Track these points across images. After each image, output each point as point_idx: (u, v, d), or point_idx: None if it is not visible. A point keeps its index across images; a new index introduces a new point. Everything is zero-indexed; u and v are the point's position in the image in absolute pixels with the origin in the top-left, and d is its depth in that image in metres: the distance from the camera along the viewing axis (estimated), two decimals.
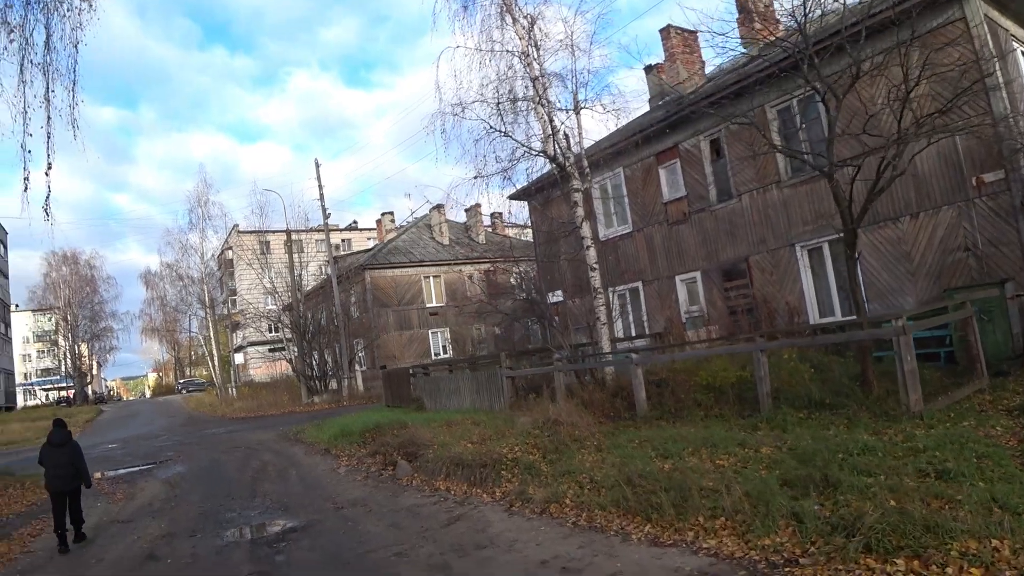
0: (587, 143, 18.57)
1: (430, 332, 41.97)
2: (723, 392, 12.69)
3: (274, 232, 46.23)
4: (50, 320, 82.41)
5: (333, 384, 37.76)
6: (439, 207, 46.33)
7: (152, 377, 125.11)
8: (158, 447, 22.89)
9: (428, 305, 42.11)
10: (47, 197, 12.56)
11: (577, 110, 17.62)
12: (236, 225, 57.52)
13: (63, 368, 79.39)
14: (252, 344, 67.91)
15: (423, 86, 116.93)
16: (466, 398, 19.29)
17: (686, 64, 24.19)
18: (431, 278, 42.64)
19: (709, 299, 20.17)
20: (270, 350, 64.13)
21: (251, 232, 51.07)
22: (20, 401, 78.17)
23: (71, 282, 74.20)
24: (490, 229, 49.95)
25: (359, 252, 50.27)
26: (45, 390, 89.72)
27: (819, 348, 13.47)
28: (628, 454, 9.43)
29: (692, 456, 8.94)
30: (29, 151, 12.47)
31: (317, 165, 37.52)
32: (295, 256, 40.23)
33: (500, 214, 52.57)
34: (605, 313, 17.20)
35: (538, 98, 17.01)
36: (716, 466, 8.40)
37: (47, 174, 12.60)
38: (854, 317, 16.48)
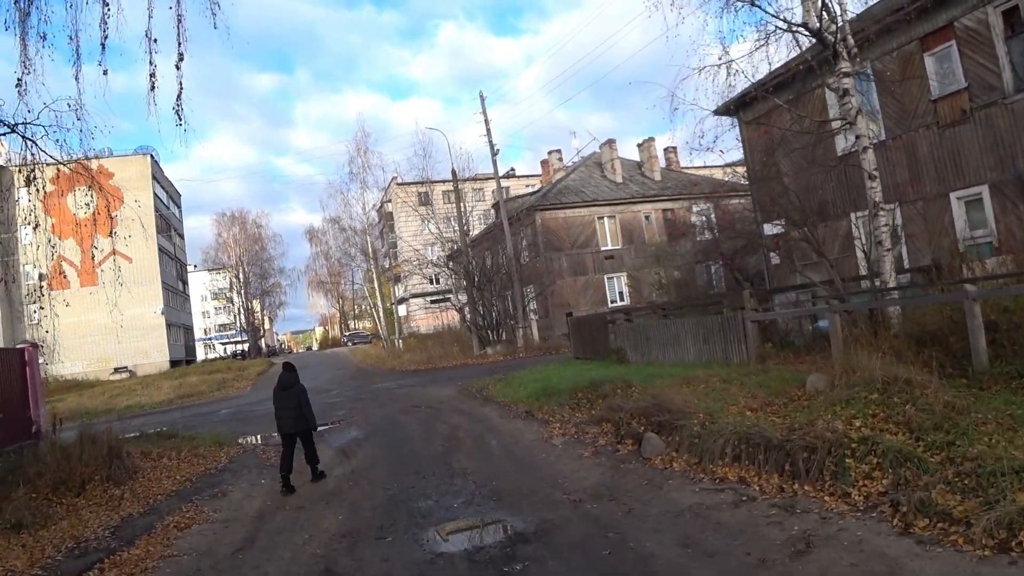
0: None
1: (606, 277, 38.47)
2: None
3: (433, 182, 43.70)
4: (224, 278, 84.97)
5: (503, 334, 34.94)
6: (610, 142, 42.52)
7: (319, 331, 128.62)
8: (328, 404, 20.63)
9: (603, 248, 38.56)
10: (179, 96, 9.84)
11: None
12: (395, 177, 55.89)
13: (238, 323, 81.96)
14: (414, 296, 66.86)
15: (571, 28, 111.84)
16: (689, 349, 15.63)
17: None
18: (605, 219, 38.97)
19: (1003, 220, 15.47)
20: (432, 301, 62.90)
21: (410, 184, 49.15)
22: (200, 354, 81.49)
23: (241, 240, 76.04)
24: (665, 167, 45.58)
25: (526, 195, 47.18)
26: (223, 344, 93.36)
27: None
28: None
29: None
30: (155, 39, 9.79)
31: (482, 98, 34.45)
32: (459, 200, 37.52)
33: (675, 148, 48.20)
34: (889, 236, 12.95)
35: None
36: None
37: (178, 67, 9.86)
38: None
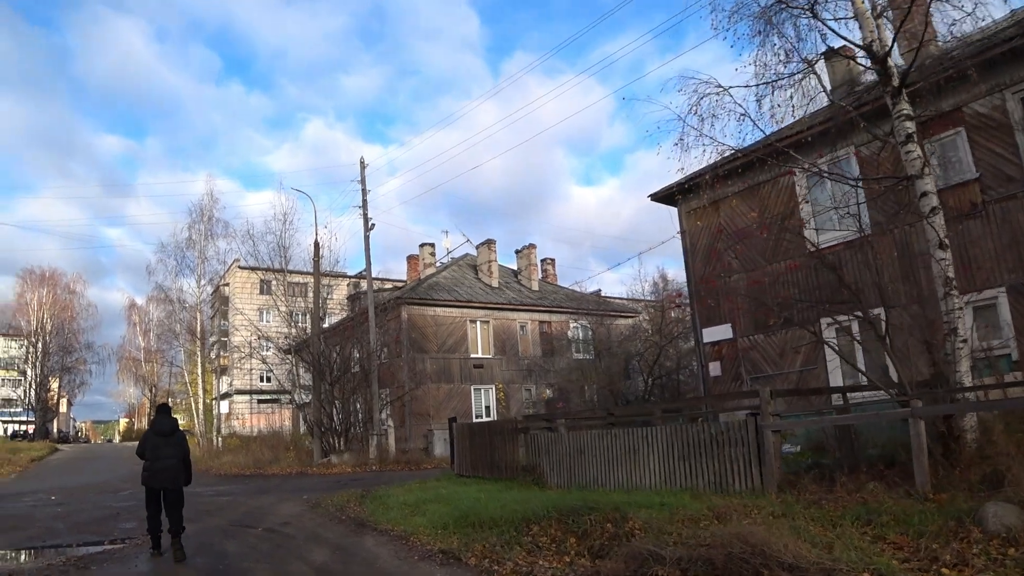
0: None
1: (473, 388, 33.96)
2: None
3: (276, 270, 37.94)
4: (19, 346, 73.33)
5: (351, 442, 29.16)
6: (489, 243, 39.05)
7: (123, 422, 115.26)
8: (114, 509, 14.64)
9: (473, 355, 34.19)
10: None
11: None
12: (237, 260, 49.70)
13: (27, 399, 70.25)
14: (240, 392, 59.43)
15: (438, 147, 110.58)
16: (653, 470, 11.22)
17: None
18: (478, 323, 34.85)
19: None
20: (260, 401, 56.25)
21: (256, 268, 43.47)
22: None
23: (48, 305, 65.93)
24: (542, 279, 42.36)
25: (389, 288, 42.48)
26: (4, 422, 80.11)
27: None
28: None
29: None
30: None
31: (363, 164, 29.96)
32: (318, 276, 32.33)
33: (553, 260, 45.41)
34: (962, 324, 9.53)
35: None
36: None
37: None
38: None
